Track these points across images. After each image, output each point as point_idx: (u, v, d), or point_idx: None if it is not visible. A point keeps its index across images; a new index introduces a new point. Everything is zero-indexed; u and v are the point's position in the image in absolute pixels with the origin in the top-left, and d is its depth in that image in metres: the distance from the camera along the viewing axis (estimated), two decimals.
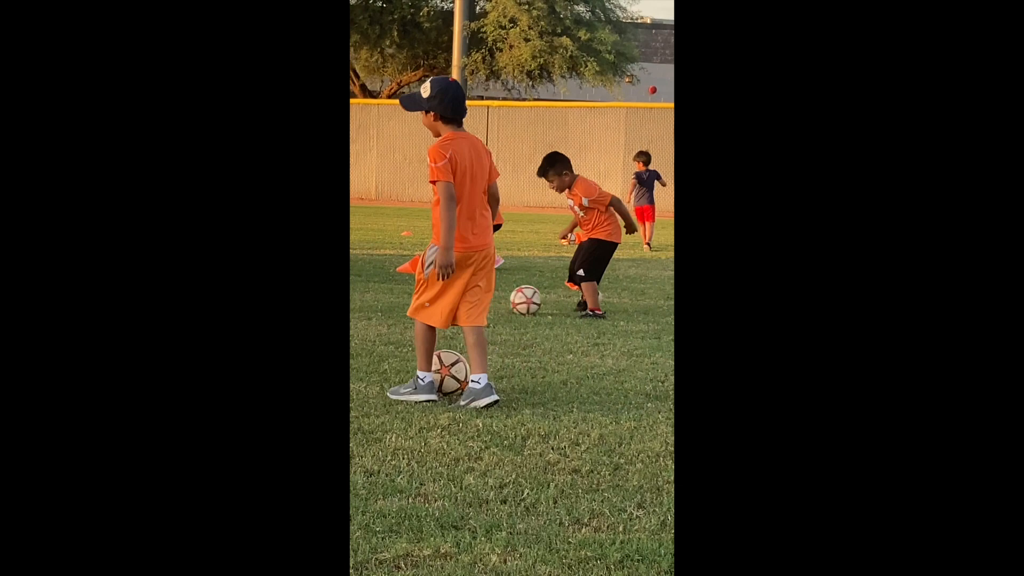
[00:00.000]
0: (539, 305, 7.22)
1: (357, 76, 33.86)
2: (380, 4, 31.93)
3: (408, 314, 4.75)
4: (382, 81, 34.85)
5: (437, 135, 4.51)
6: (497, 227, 10.95)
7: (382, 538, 2.83)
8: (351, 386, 4.73)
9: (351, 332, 6.25)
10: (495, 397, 4.39)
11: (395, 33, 31.65)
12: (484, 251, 4.52)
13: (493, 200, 4.61)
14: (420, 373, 4.52)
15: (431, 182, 4.42)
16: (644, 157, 14.80)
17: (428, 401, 4.45)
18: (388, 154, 28.13)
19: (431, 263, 4.45)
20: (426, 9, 31.88)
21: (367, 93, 33.79)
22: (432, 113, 4.44)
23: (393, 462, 3.56)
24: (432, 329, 4.57)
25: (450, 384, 4.62)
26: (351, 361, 5.33)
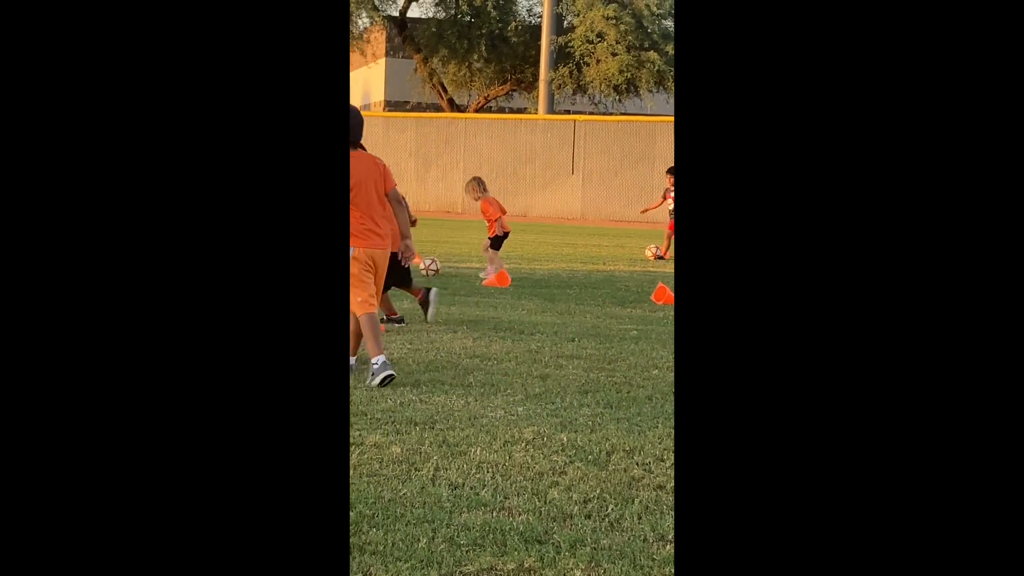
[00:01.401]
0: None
1: (445, 90, 34.14)
2: (468, 19, 32.17)
3: (354, 310, 5.26)
4: (469, 95, 35.07)
5: None
6: (505, 235, 11.09)
7: (466, 551, 2.84)
8: (436, 399, 4.76)
9: (437, 345, 6.29)
10: (391, 372, 5.10)
11: (483, 47, 31.87)
12: (386, 249, 5.39)
13: (395, 202, 5.45)
14: (374, 359, 5.12)
15: None
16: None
17: (389, 378, 5.05)
18: (474, 168, 28.26)
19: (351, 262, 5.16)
20: (514, 23, 32.04)
21: (454, 107, 34.03)
22: None
23: (477, 475, 3.57)
24: (371, 317, 5.25)
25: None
26: (436, 374, 5.36)
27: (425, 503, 3.23)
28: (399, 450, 3.83)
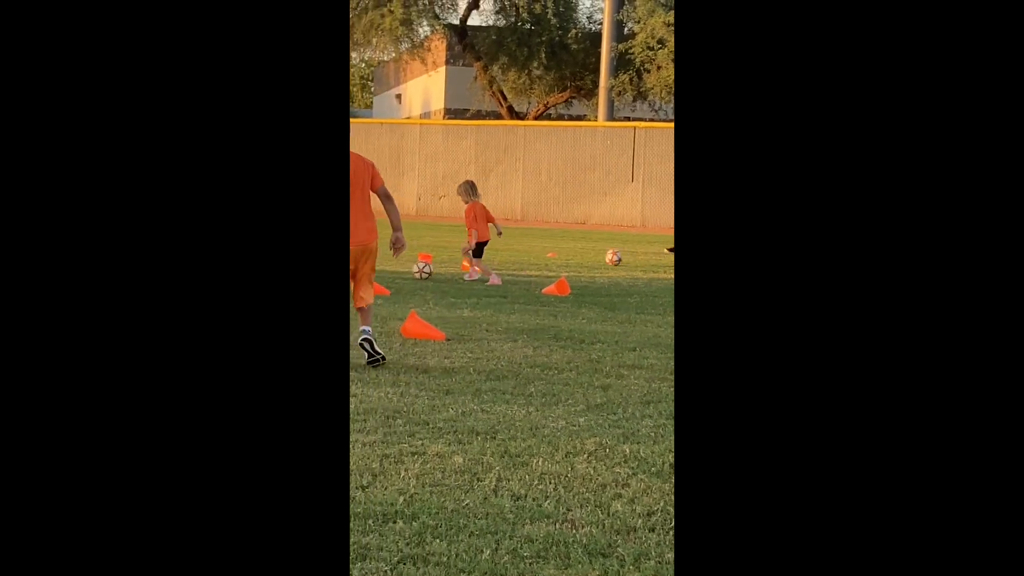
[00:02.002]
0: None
1: (504, 98, 34.22)
2: (529, 26, 32.22)
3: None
4: (529, 102, 35.12)
5: None
6: (484, 243, 11.27)
7: (530, 564, 2.83)
8: (497, 408, 4.76)
9: (498, 354, 6.30)
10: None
11: (543, 55, 31.90)
12: (363, 246, 5.75)
13: (385, 198, 5.97)
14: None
15: None
16: None
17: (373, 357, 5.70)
18: (534, 175, 28.30)
19: None
20: (574, 31, 32.04)
21: (514, 114, 34.09)
22: None
23: (540, 486, 3.56)
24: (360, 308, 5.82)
25: None
26: (497, 383, 5.36)
27: (488, 514, 3.22)
28: (461, 460, 3.83)
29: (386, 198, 5.97)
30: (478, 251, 11.20)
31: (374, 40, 32.99)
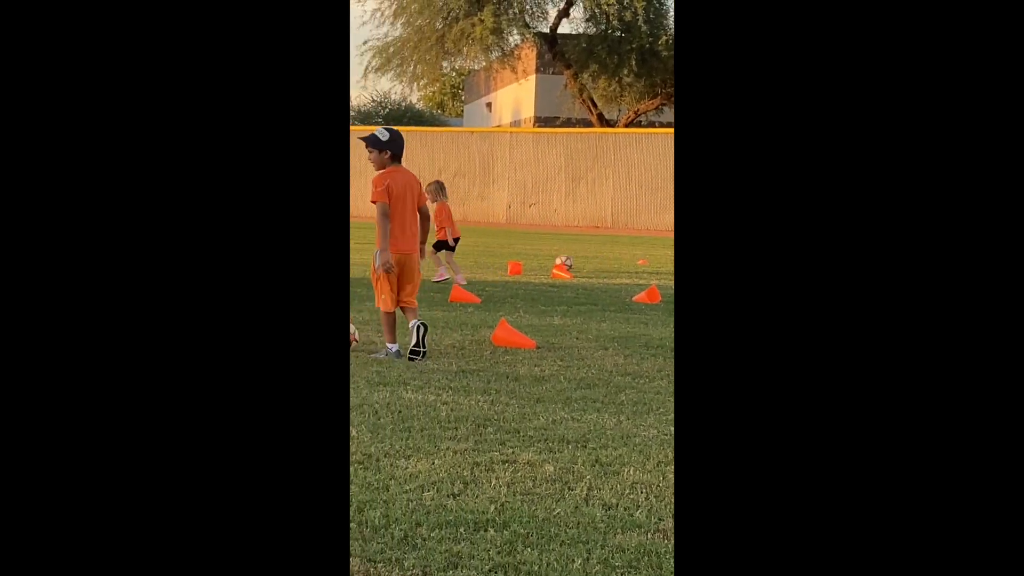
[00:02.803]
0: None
1: (595, 105, 34.16)
2: (619, 34, 32.14)
3: (378, 305, 6.36)
4: (619, 110, 35.01)
5: (381, 168, 6.28)
6: (456, 240, 11.53)
7: (621, 573, 2.81)
8: (588, 417, 4.75)
9: (588, 362, 6.28)
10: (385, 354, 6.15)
11: (633, 62, 31.78)
12: (412, 254, 6.26)
13: (424, 218, 6.41)
14: (389, 345, 6.24)
15: (372, 202, 6.22)
16: None
17: (397, 355, 6.14)
18: (624, 183, 28.19)
19: (379, 264, 6.20)
20: (664, 38, 31.84)
21: (604, 122, 34.02)
22: (387, 152, 6.26)
23: (631, 496, 3.54)
24: (389, 314, 6.25)
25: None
26: (588, 391, 5.35)
27: (579, 523, 3.21)
28: (552, 469, 3.82)
29: (426, 217, 6.47)
30: (444, 246, 11.54)
31: (465, 49, 33.22)
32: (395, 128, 6.52)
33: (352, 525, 3.09)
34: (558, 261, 13.26)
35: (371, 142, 6.28)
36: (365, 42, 41.77)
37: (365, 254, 10.41)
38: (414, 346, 6.11)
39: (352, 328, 6.03)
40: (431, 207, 11.64)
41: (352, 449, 3.98)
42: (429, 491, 3.47)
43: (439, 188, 11.84)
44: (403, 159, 6.36)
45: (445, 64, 36.18)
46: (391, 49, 34.23)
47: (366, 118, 47.64)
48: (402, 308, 6.34)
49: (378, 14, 38.02)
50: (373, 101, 49.92)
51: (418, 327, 6.13)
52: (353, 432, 4.25)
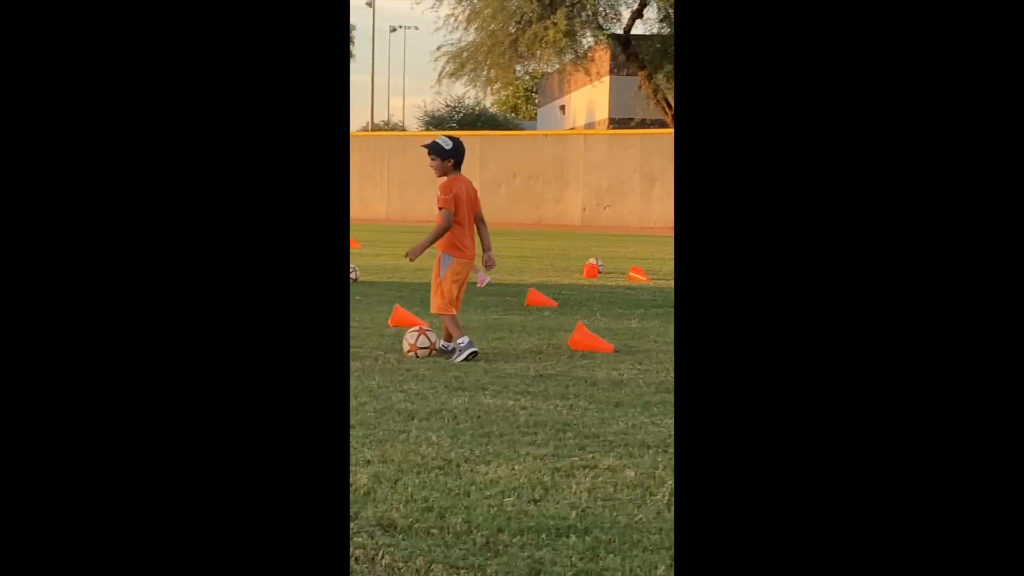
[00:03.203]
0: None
1: (669, 106, 33.93)
2: None
3: (434, 311, 6.46)
4: None
5: (444, 175, 6.45)
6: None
7: None
8: (667, 421, 4.70)
9: (667, 366, 6.23)
10: (474, 349, 6.25)
11: None
12: (472, 260, 6.51)
13: (481, 222, 6.56)
14: (460, 339, 6.27)
15: (440, 208, 6.36)
16: None
17: (473, 354, 6.19)
18: None
19: (444, 268, 6.37)
20: None
21: None
22: (450, 160, 6.42)
23: None
24: (452, 316, 6.37)
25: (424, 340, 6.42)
26: (667, 395, 5.30)
27: (661, 529, 3.18)
28: (633, 474, 3.80)
29: (482, 222, 6.62)
30: None
31: (538, 52, 33.24)
32: (456, 136, 6.71)
33: (434, 531, 3.10)
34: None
35: (434, 150, 6.44)
36: (439, 48, 42.03)
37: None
38: (454, 358, 6.23)
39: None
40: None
41: (432, 455, 3.99)
42: (510, 496, 3.47)
43: None
44: (470, 163, 6.54)
45: (518, 68, 36.22)
46: (464, 54, 34.39)
47: (440, 123, 47.90)
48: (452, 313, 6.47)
49: (451, 19, 38.23)
50: (447, 106, 50.19)
51: (472, 353, 6.26)
52: (433, 437, 4.27)
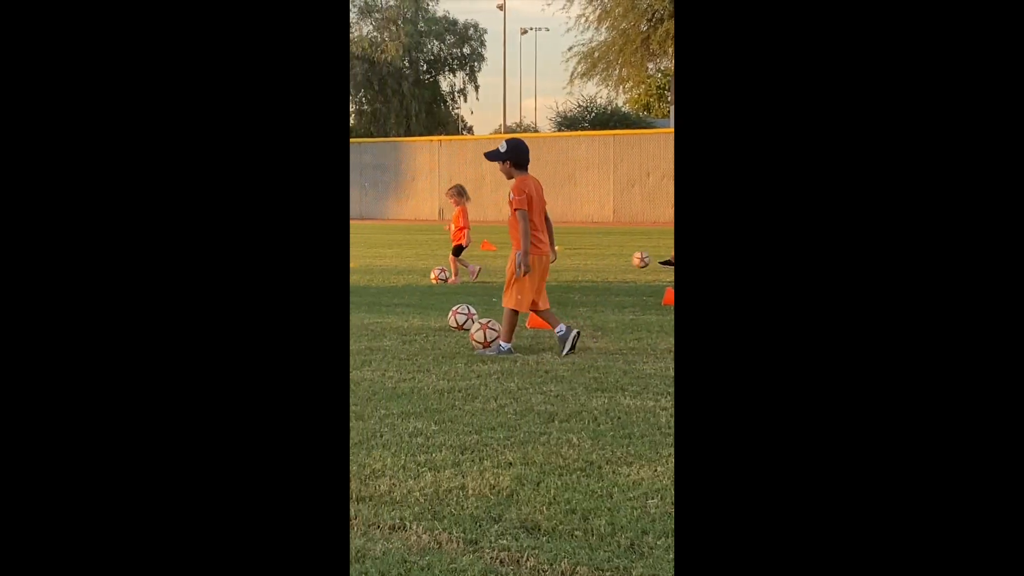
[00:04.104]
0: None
1: None
2: None
3: (507, 306, 6.61)
4: None
5: (511, 177, 6.70)
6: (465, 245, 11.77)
7: None
8: None
9: None
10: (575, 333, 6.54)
11: None
12: (547, 254, 6.70)
13: (548, 222, 6.78)
14: (503, 344, 6.52)
15: (513, 209, 6.58)
16: None
17: (576, 335, 6.52)
18: None
19: (519, 266, 6.54)
20: None
21: None
22: (508, 162, 6.67)
23: None
24: (516, 313, 6.59)
25: (490, 335, 6.69)
26: None
27: None
28: None
29: (547, 219, 6.82)
30: (459, 251, 11.86)
31: (670, 50, 32.95)
32: (517, 138, 7.05)
33: (578, 533, 3.10)
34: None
35: (491, 156, 6.84)
36: (570, 48, 42.01)
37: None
38: (569, 351, 6.44)
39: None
40: (454, 210, 12.14)
41: (574, 456, 3.99)
42: (653, 499, 3.44)
43: (460, 192, 12.07)
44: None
45: (650, 65, 36.04)
46: (596, 54, 34.36)
47: (572, 124, 47.93)
48: (535, 311, 6.76)
49: (582, 20, 38.15)
50: (579, 106, 50.17)
51: (575, 336, 6.53)
52: (574, 439, 4.26)
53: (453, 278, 11.65)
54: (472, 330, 6.81)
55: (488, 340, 6.63)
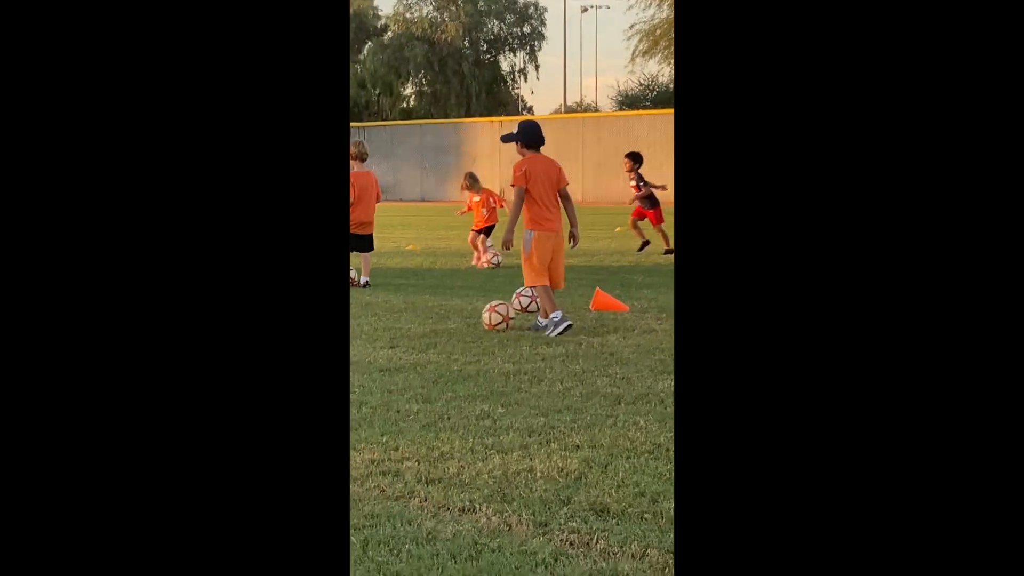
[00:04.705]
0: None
1: None
2: None
3: (527, 285, 6.93)
4: None
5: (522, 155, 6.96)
6: (490, 228, 11.66)
7: None
8: None
9: None
10: (568, 322, 6.63)
11: None
12: (558, 232, 6.80)
13: (565, 199, 6.93)
14: (553, 313, 6.63)
15: (512, 186, 6.86)
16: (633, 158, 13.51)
17: (568, 327, 6.56)
18: None
19: (527, 243, 6.77)
20: None
21: None
22: (519, 143, 6.93)
23: None
24: (545, 288, 6.73)
25: (495, 318, 6.85)
26: None
27: None
28: None
29: (567, 198, 6.96)
30: (488, 231, 11.84)
31: None
32: (529, 120, 7.38)
33: (647, 516, 3.10)
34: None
35: (505, 138, 7.12)
36: (632, 26, 41.71)
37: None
38: (553, 332, 6.55)
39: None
40: (474, 197, 12.19)
41: (641, 439, 3.99)
42: None
43: (473, 180, 12.20)
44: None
45: None
46: (658, 31, 34.09)
47: (633, 102, 47.66)
48: (553, 287, 6.86)
49: None
50: (641, 85, 49.87)
51: (566, 327, 6.57)
52: (641, 422, 4.27)
53: (489, 258, 11.53)
54: (484, 319, 6.90)
55: (494, 323, 6.80)
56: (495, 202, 12.10)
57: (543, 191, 6.77)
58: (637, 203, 13.38)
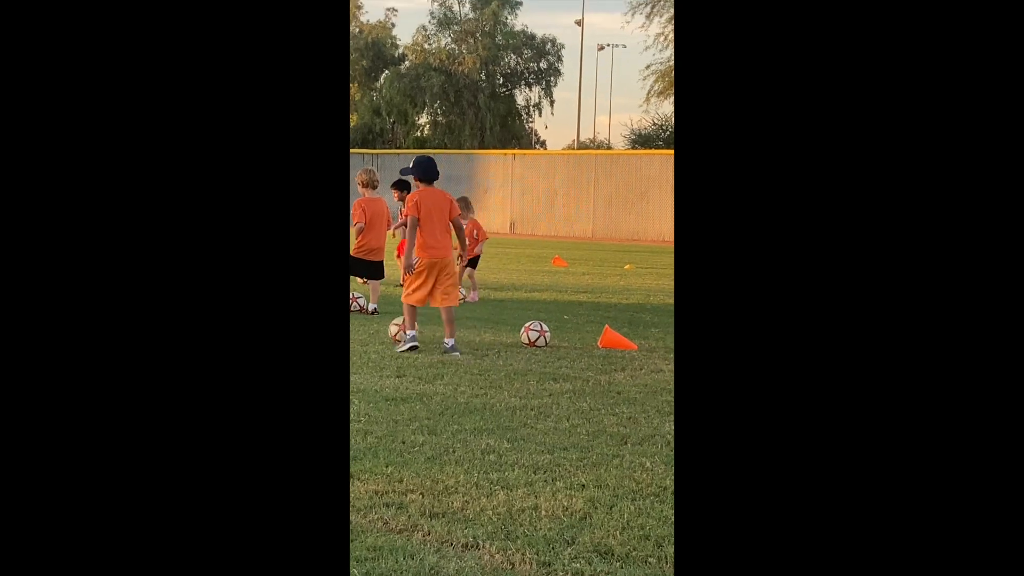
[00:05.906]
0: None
1: None
2: None
3: (402, 299, 7.54)
4: None
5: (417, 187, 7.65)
6: (475, 260, 11.58)
7: None
8: None
9: None
10: (415, 344, 7.27)
11: None
12: (444, 259, 7.44)
13: (457, 229, 7.62)
14: (408, 331, 7.33)
15: (404, 215, 7.85)
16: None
17: (413, 347, 7.22)
18: None
19: (407, 267, 7.48)
20: None
21: None
22: (414, 176, 7.66)
23: None
24: (412, 307, 7.41)
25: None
26: None
27: None
28: None
29: (459, 228, 7.65)
30: (474, 263, 11.73)
31: None
32: (425, 156, 7.88)
33: (651, 560, 3.08)
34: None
35: (403, 171, 7.97)
36: (648, 66, 41.86)
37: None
38: (403, 349, 7.19)
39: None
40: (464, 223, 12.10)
41: (647, 481, 3.96)
42: None
43: (466, 205, 11.99)
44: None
45: None
46: (674, 73, 34.21)
47: (646, 142, 47.79)
48: (439, 307, 7.41)
49: (661, 39, 38.10)
50: (654, 124, 50.02)
51: (412, 347, 7.21)
52: (647, 463, 4.24)
53: (472, 294, 11.30)
54: (522, 338, 7.46)
55: (532, 339, 7.43)
56: (479, 235, 11.85)
57: (434, 221, 7.40)
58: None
